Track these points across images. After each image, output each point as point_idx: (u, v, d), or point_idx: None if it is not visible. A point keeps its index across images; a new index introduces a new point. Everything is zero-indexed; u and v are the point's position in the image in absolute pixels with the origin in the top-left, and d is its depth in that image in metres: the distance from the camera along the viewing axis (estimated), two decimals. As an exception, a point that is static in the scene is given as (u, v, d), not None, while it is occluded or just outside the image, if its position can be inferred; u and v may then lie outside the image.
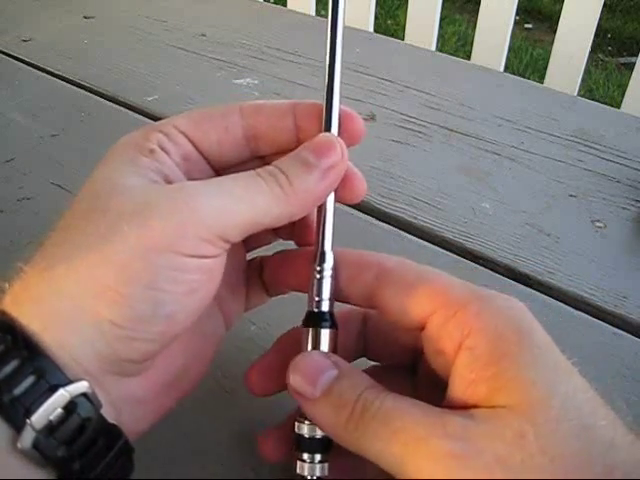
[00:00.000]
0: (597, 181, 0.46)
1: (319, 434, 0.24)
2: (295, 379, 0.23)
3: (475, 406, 0.21)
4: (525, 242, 0.41)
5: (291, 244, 0.29)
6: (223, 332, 0.28)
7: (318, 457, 0.24)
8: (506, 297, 0.23)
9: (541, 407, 0.19)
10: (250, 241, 0.29)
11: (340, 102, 0.26)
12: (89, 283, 0.21)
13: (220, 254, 0.23)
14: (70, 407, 0.20)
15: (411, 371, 0.27)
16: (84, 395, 0.21)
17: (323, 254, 0.25)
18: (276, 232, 0.30)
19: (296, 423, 0.24)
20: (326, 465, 0.24)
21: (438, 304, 0.23)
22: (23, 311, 0.21)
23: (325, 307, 0.25)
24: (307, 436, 0.24)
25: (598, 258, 0.40)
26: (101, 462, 0.21)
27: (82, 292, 0.21)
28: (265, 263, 0.29)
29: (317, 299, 0.25)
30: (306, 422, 0.24)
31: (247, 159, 0.27)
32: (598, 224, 0.42)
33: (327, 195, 0.25)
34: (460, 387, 0.21)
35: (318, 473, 0.24)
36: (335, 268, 0.25)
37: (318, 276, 0.25)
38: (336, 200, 0.26)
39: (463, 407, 0.21)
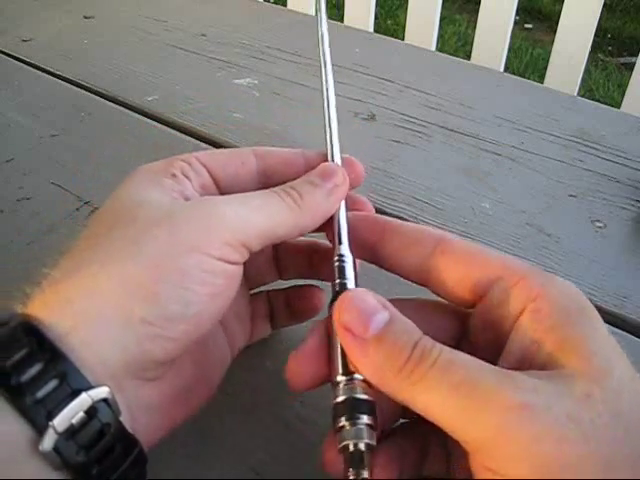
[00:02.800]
0: (597, 181, 0.46)
1: (360, 394, 0.22)
2: (346, 317, 0.22)
3: (530, 368, 0.21)
4: (525, 242, 0.41)
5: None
6: (228, 359, 0.29)
7: (364, 418, 0.21)
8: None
9: (604, 374, 0.20)
10: (252, 278, 0.31)
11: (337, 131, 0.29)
12: (122, 281, 0.22)
13: (240, 262, 0.24)
14: (91, 412, 0.20)
15: None
16: (104, 401, 0.21)
17: (340, 245, 0.26)
18: (279, 271, 0.32)
19: (333, 391, 0.23)
20: (374, 433, 0.22)
21: (504, 271, 0.23)
22: (52, 312, 0.21)
23: (350, 285, 0.25)
24: (346, 397, 0.22)
25: (598, 258, 0.40)
26: (117, 469, 0.21)
27: (115, 289, 0.22)
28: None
29: (339, 280, 0.25)
30: (341, 384, 0.22)
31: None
32: (598, 224, 0.42)
33: (333, 210, 0.27)
34: (520, 347, 0.22)
35: (366, 438, 0.21)
36: (389, 236, 0.26)
37: (337, 263, 0.25)
38: None
39: (518, 369, 0.21)
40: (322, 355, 0.24)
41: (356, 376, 0.22)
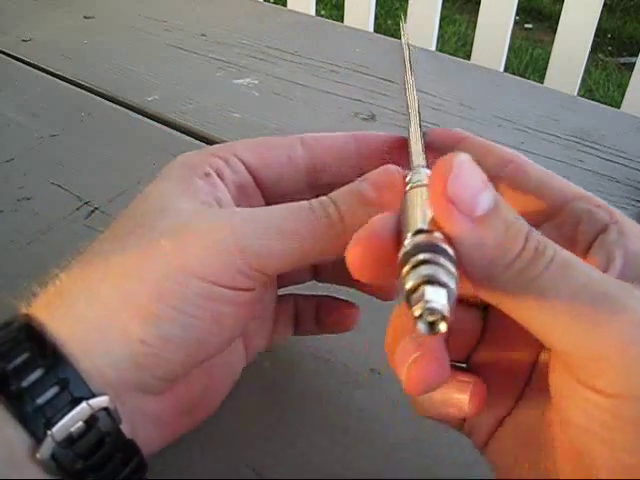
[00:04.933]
0: (597, 181, 0.46)
1: (441, 243, 0.17)
2: (455, 187, 0.17)
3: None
4: (525, 242, 0.41)
5: (327, 287, 0.29)
6: (243, 365, 0.27)
7: (446, 263, 0.16)
8: None
9: None
10: (283, 278, 0.29)
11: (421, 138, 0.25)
12: (123, 295, 0.21)
13: (255, 287, 0.22)
14: (91, 421, 0.20)
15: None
16: (105, 409, 0.20)
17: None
18: (315, 272, 0.29)
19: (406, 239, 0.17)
20: (454, 281, 0.16)
21: (582, 194, 0.22)
22: (53, 317, 0.21)
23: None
24: (425, 241, 0.17)
25: (598, 258, 0.40)
26: (116, 478, 0.21)
27: (115, 303, 0.21)
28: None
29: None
30: (414, 236, 0.17)
31: (303, 190, 0.26)
32: (598, 224, 0.42)
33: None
34: (608, 259, 0.19)
35: (445, 278, 0.16)
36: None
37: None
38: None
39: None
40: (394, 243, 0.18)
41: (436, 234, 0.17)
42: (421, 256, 0.16)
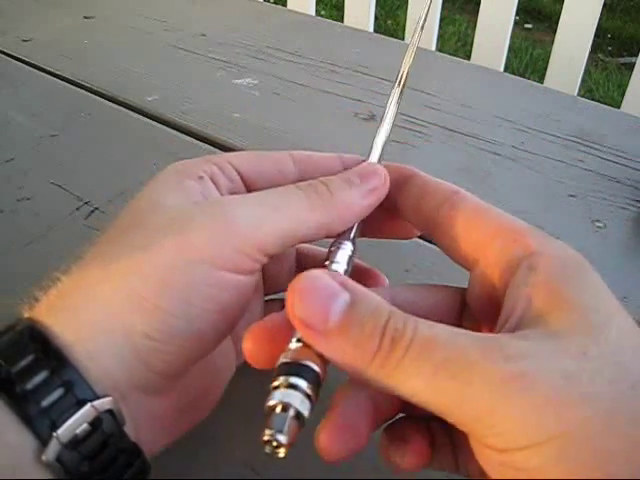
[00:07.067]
0: (597, 181, 0.46)
1: (307, 361, 0.19)
2: (301, 309, 0.18)
3: (521, 327, 0.19)
4: (525, 242, 0.41)
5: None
6: (233, 369, 0.28)
7: (303, 385, 0.19)
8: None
9: (601, 332, 0.18)
10: (270, 284, 0.30)
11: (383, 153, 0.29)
12: (125, 292, 0.21)
13: (255, 271, 0.23)
14: (96, 423, 0.20)
15: None
16: (109, 411, 0.21)
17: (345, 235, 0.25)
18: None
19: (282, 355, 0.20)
20: (309, 405, 0.19)
21: (501, 229, 0.22)
22: (57, 320, 0.21)
23: (339, 269, 0.23)
24: (292, 360, 0.19)
25: (598, 258, 0.39)
26: (120, 478, 0.21)
27: (117, 300, 0.21)
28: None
29: (328, 263, 0.23)
30: (292, 347, 0.20)
31: None
32: (598, 224, 0.42)
33: (367, 213, 0.25)
34: (513, 304, 0.20)
35: (299, 405, 0.19)
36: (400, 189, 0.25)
37: (333, 247, 0.24)
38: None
39: (513, 329, 0.19)
40: (285, 333, 0.20)
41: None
42: (281, 379, 0.19)
